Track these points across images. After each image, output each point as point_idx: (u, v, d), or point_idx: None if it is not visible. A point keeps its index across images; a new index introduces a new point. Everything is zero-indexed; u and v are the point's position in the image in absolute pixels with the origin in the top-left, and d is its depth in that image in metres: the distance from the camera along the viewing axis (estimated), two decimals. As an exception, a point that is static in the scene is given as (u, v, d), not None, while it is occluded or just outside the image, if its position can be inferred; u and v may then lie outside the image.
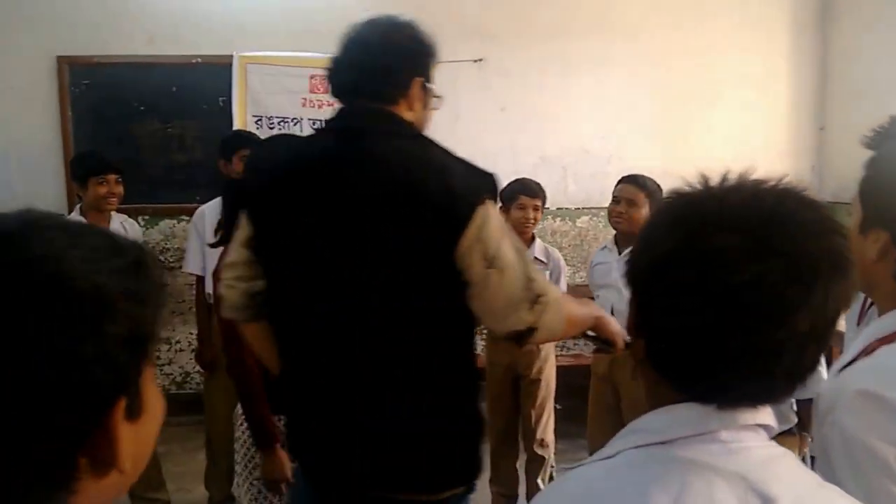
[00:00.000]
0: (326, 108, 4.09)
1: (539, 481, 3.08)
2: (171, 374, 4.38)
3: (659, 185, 2.80)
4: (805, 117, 4.57)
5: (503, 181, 2.87)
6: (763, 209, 0.65)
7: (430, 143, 1.38)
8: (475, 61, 4.25)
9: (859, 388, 0.90)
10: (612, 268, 2.81)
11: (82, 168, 2.99)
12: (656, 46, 4.39)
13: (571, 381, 3.62)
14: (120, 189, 2.99)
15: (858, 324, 1.36)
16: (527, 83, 4.35)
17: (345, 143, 1.36)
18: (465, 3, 4.29)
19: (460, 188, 1.28)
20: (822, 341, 0.65)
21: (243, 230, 1.47)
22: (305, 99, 4.10)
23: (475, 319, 1.37)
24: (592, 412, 3.01)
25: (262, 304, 1.47)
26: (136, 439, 0.56)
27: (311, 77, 4.08)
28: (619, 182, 2.86)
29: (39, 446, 0.49)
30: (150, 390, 0.58)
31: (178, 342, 4.35)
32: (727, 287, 0.62)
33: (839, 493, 0.70)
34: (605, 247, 2.96)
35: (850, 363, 0.97)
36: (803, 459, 2.50)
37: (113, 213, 3.05)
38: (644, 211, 2.77)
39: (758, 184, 0.69)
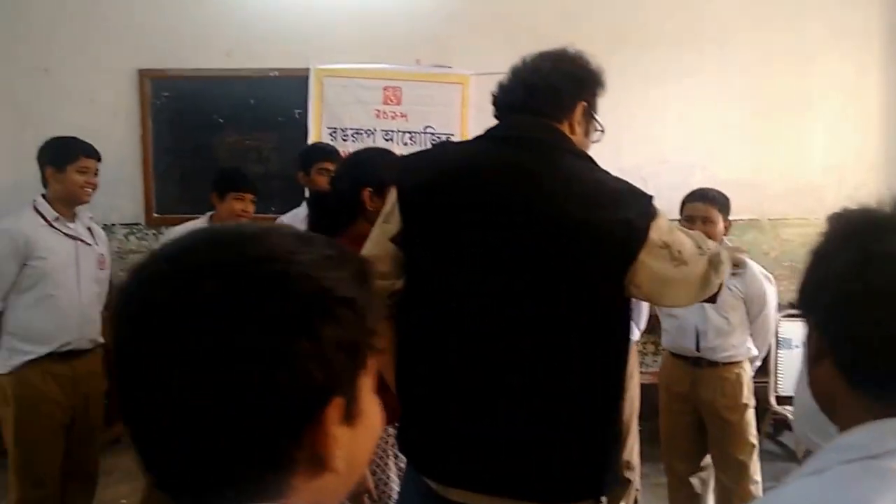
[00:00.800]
0: (399, 119, 4.09)
1: (623, 505, 2.96)
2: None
3: (726, 197, 2.75)
4: (899, 127, 4.34)
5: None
6: None
7: (595, 164, 1.42)
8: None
9: None
10: None
11: (225, 181, 3.10)
12: (746, 55, 4.24)
13: (652, 400, 3.48)
14: (252, 209, 3.11)
15: None
16: (606, 93, 4.23)
17: (512, 149, 1.39)
18: (541, 13, 4.22)
19: (632, 218, 1.31)
20: None
21: (393, 224, 1.45)
22: (379, 110, 4.10)
23: (627, 333, 1.40)
24: (669, 433, 2.91)
25: (392, 305, 1.46)
26: (351, 444, 0.57)
27: (385, 88, 4.09)
28: (687, 200, 2.80)
29: (258, 434, 0.52)
30: (368, 399, 0.60)
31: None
32: None
33: None
34: None
35: None
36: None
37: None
38: (720, 227, 2.70)
39: None
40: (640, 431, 3.06)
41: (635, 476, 2.99)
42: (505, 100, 1.49)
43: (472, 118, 4.07)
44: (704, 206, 2.71)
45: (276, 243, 0.55)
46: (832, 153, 4.29)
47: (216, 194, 3.08)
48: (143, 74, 4.18)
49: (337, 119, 4.09)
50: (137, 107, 4.21)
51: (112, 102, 4.22)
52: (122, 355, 0.55)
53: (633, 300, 2.88)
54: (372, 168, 1.94)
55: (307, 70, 4.07)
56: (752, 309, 2.79)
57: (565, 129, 1.45)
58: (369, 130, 4.09)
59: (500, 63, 4.04)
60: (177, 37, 4.17)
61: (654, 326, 3.25)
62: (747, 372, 2.81)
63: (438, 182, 1.41)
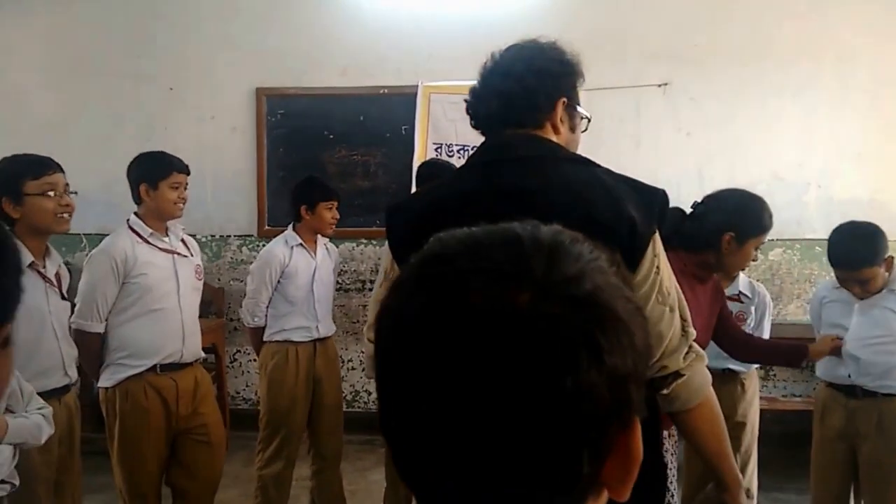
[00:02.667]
0: (503, 135, 4.11)
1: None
2: (343, 391, 4.53)
3: (882, 235, 2.44)
4: None
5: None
6: None
7: (593, 165, 1.32)
8: (660, 86, 4.11)
9: None
10: (853, 308, 2.54)
11: (314, 191, 3.13)
12: (865, 70, 4.08)
13: (761, 426, 3.34)
14: (339, 215, 3.16)
15: None
16: (716, 108, 4.16)
17: (501, 173, 1.29)
18: (650, 26, 4.17)
19: (636, 215, 1.21)
20: None
21: (392, 271, 1.39)
22: (483, 126, 4.13)
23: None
24: (820, 473, 2.67)
25: None
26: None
27: (489, 105, 4.11)
28: (843, 266, 2.49)
29: (569, 455, 0.49)
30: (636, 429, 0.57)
31: (350, 360, 4.49)
32: None
33: None
34: (840, 286, 2.57)
35: None
36: None
37: (320, 236, 3.18)
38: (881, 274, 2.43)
39: None
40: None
41: (754, 503, 2.87)
42: (480, 111, 1.38)
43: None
44: (865, 271, 2.40)
45: (582, 260, 0.53)
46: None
47: (305, 206, 3.08)
48: (261, 93, 4.40)
49: (443, 135, 4.15)
50: (254, 124, 4.43)
51: (231, 119, 4.46)
52: (399, 374, 0.51)
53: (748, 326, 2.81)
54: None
55: (416, 87, 4.16)
56: None
57: (548, 131, 1.34)
58: (475, 147, 4.12)
59: (608, 78, 4.10)
60: (293, 57, 4.37)
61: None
62: None
63: (431, 222, 1.29)
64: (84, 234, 4.41)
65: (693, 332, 1.29)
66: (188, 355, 2.62)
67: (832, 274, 2.61)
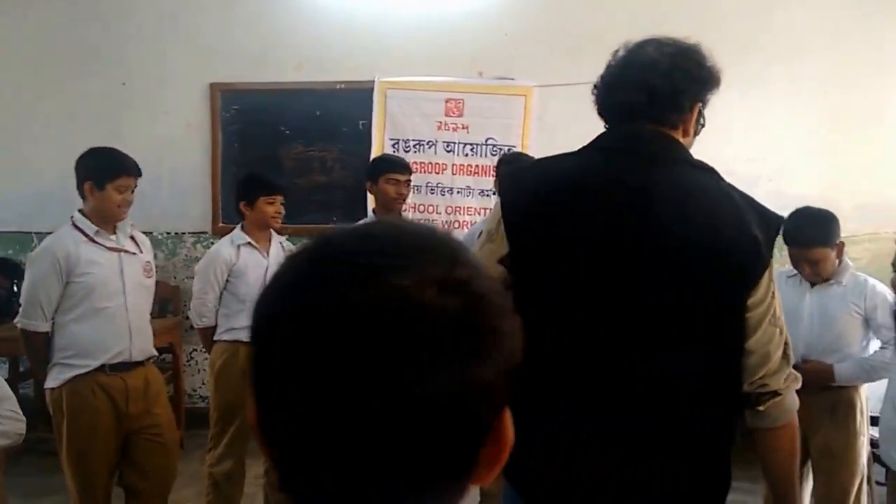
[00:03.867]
0: (461, 130, 4.14)
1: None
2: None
3: (834, 220, 2.53)
4: (981, 139, 4.16)
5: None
6: None
7: (718, 176, 1.33)
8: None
9: None
10: (805, 299, 2.59)
11: (253, 187, 3.07)
12: (816, 66, 4.15)
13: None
14: (283, 210, 3.08)
15: None
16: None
17: (627, 165, 1.28)
18: (604, 24, 4.20)
19: (760, 237, 1.22)
20: None
21: (498, 245, 1.34)
22: (441, 122, 4.16)
23: (741, 375, 1.30)
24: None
25: None
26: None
27: (447, 101, 4.14)
28: (794, 245, 2.56)
29: (457, 437, 0.51)
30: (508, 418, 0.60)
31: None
32: None
33: None
34: (796, 275, 2.64)
35: None
36: None
37: (273, 232, 3.14)
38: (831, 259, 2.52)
39: None
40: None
41: None
42: (617, 100, 1.35)
43: (535, 130, 4.09)
44: (815, 250, 2.47)
45: (468, 258, 0.55)
46: (907, 167, 4.15)
47: (245, 203, 3.02)
48: (215, 88, 4.34)
49: (399, 130, 4.16)
50: (208, 119, 4.38)
51: (185, 115, 4.40)
52: (285, 368, 0.50)
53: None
54: None
55: (372, 82, 4.15)
56: None
57: (679, 132, 1.35)
58: (431, 142, 4.15)
59: (564, 75, 4.13)
60: (248, 52, 4.32)
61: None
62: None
63: (546, 202, 1.30)
64: (35, 233, 4.32)
65: (792, 357, 1.34)
66: (137, 354, 2.58)
67: (787, 265, 2.69)
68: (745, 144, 4.20)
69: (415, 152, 4.11)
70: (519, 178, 1.42)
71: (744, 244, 1.21)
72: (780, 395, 1.30)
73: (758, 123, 4.19)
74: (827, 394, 2.53)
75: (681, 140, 1.35)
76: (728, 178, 4.36)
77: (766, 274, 1.24)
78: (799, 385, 1.34)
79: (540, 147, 3.92)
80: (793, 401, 1.34)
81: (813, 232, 2.48)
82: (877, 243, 4.08)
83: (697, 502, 1.32)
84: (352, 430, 0.48)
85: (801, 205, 2.59)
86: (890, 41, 4.14)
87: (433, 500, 0.52)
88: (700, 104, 1.37)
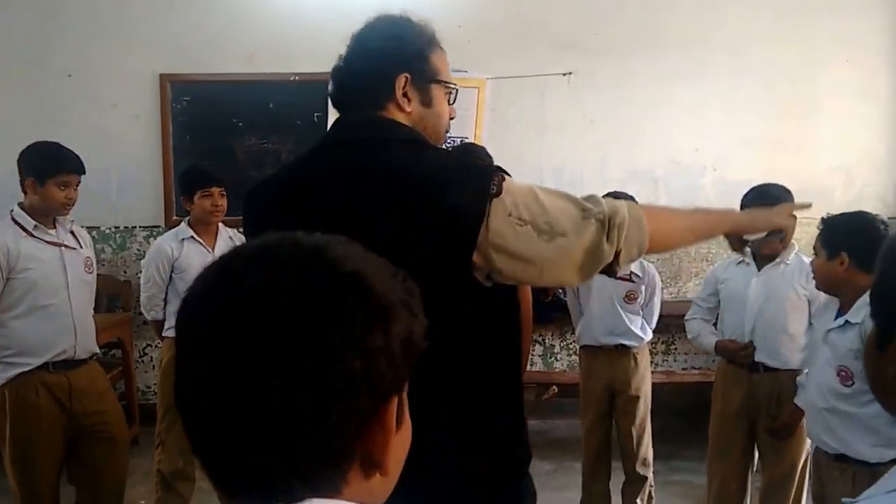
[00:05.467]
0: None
1: (638, 501, 3.01)
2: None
3: (787, 191, 2.58)
4: (906, 129, 4.39)
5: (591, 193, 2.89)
6: None
7: (425, 146, 1.29)
8: (564, 75, 4.24)
9: None
10: (751, 283, 2.67)
11: (189, 181, 3.07)
12: (757, 58, 4.31)
13: (662, 399, 3.54)
14: (224, 202, 3.05)
15: None
16: (617, 96, 4.32)
17: (339, 156, 1.26)
18: (556, 17, 4.30)
19: (460, 202, 1.15)
20: None
21: None
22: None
23: (505, 331, 1.28)
24: (720, 447, 2.75)
25: None
26: (397, 447, 0.59)
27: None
28: (745, 200, 2.63)
29: (327, 427, 0.53)
30: (406, 403, 0.61)
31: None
32: None
33: None
34: (743, 261, 2.72)
35: None
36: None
37: (221, 225, 3.13)
38: None
39: None
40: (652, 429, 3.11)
41: (650, 472, 3.04)
42: (331, 94, 1.37)
43: (488, 122, 4.14)
44: (755, 206, 2.49)
45: (345, 250, 0.58)
46: (839, 155, 4.36)
47: (185, 198, 3.03)
48: (164, 79, 4.27)
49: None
50: (158, 111, 4.30)
51: (133, 107, 4.32)
52: (191, 360, 0.56)
53: (645, 299, 2.96)
54: None
55: (327, 74, 4.13)
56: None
57: (392, 111, 1.30)
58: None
59: (517, 67, 4.19)
60: (198, 42, 4.26)
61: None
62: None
63: (275, 204, 1.29)
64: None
65: (603, 211, 1.19)
66: (81, 352, 2.54)
67: (729, 253, 2.77)
68: (691, 135, 4.35)
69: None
70: (256, 189, 1.37)
71: (441, 217, 1.15)
72: (620, 251, 1.20)
73: (702, 114, 4.35)
74: (773, 377, 2.63)
75: (398, 116, 1.30)
76: (675, 168, 4.54)
77: (487, 233, 1.15)
78: (623, 213, 1.20)
79: (493, 138, 3.99)
80: (635, 231, 1.21)
81: (777, 192, 2.56)
82: (811, 228, 4.26)
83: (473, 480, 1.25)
84: (221, 414, 0.53)
85: (743, 192, 2.70)
86: (825, 37, 4.33)
87: (303, 487, 0.54)
88: (406, 74, 1.29)
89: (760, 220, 1.46)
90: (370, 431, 0.56)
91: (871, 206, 3.54)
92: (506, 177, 1.20)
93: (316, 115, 4.22)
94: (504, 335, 1.30)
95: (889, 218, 2.72)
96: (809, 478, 2.51)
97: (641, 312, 3.02)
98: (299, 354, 0.52)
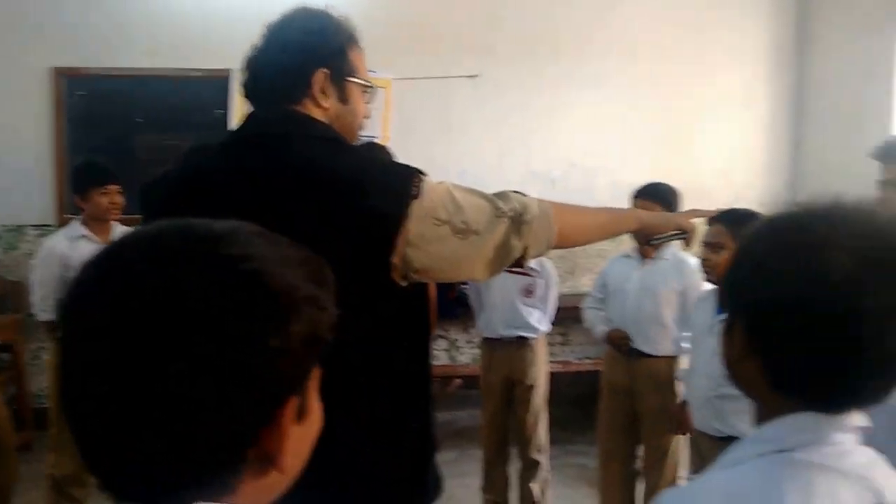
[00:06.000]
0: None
1: (533, 485, 3.16)
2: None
3: (674, 191, 2.77)
4: (782, 135, 4.77)
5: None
6: (877, 229, 0.72)
7: (343, 145, 1.25)
8: (469, 77, 4.36)
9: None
10: (632, 276, 2.87)
11: (84, 178, 2.98)
12: (649, 66, 4.56)
13: (559, 388, 3.72)
14: (121, 199, 2.98)
15: None
16: (519, 99, 4.48)
17: (246, 152, 1.21)
18: (462, 21, 4.41)
19: (378, 203, 1.14)
20: None
21: None
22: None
23: (418, 329, 1.28)
24: (606, 426, 2.96)
25: None
26: (298, 441, 0.58)
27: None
28: (635, 196, 2.81)
29: (218, 431, 0.52)
30: (314, 395, 0.61)
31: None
32: (855, 309, 0.67)
33: None
34: (628, 255, 2.95)
35: None
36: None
37: (116, 223, 3.06)
38: None
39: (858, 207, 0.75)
40: (549, 416, 3.27)
41: (545, 458, 3.19)
42: (243, 86, 1.31)
43: (394, 122, 4.21)
44: (648, 202, 2.72)
45: (245, 242, 0.56)
46: (722, 158, 4.68)
47: (78, 196, 2.94)
48: (58, 72, 4.11)
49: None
50: (51, 106, 4.13)
51: (25, 101, 4.13)
52: (81, 346, 0.53)
53: (542, 292, 3.12)
54: None
55: (229, 71, 4.10)
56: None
57: (308, 107, 1.26)
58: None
59: (423, 68, 4.27)
60: (96, 36, 4.12)
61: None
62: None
63: (178, 200, 1.21)
64: None
65: (514, 208, 1.21)
66: None
67: (621, 250, 2.99)
68: (587, 137, 4.56)
69: (275, 142, 4.10)
70: (154, 181, 1.31)
71: (360, 218, 1.13)
72: (527, 247, 1.22)
73: (598, 118, 4.56)
74: (648, 362, 2.84)
75: (314, 112, 1.26)
76: (572, 169, 4.73)
77: (406, 234, 1.14)
78: (534, 211, 1.23)
79: (399, 138, 4.06)
80: (542, 226, 1.23)
81: (664, 190, 2.78)
82: (699, 227, 4.57)
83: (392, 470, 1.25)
84: (114, 403, 0.51)
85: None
86: (711, 46, 4.64)
87: (195, 486, 0.53)
88: (324, 70, 1.26)
89: (665, 220, 1.51)
90: (266, 428, 0.54)
91: (749, 207, 3.82)
92: (423, 177, 1.20)
93: (217, 111, 4.17)
94: (418, 334, 1.30)
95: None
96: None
97: (539, 306, 3.18)
98: (200, 341, 0.50)
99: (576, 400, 4.23)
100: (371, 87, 1.35)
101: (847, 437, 0.73)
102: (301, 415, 0.58)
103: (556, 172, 4.54)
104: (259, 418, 0.54)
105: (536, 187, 4.29)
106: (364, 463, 1.19)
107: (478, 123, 4.46)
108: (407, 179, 1.18)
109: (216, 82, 4.12)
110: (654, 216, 1.53)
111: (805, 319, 0.69)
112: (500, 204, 1.22)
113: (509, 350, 3.14)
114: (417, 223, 1.15)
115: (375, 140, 4.15)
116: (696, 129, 4.68)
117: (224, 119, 4.14)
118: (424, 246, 1.16)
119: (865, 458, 0.73)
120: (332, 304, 0.59)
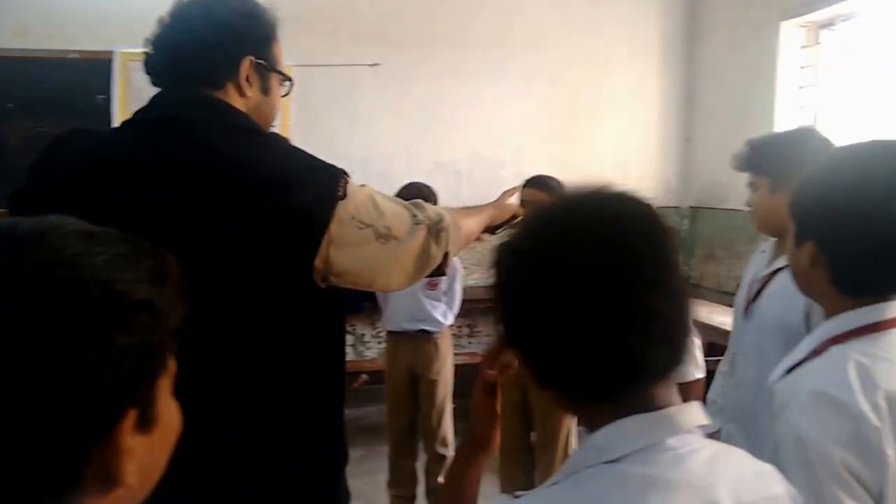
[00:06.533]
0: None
1: (440, 479, 3.14)
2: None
3: (559, 181, 2.82)
4: (673, 129, 4.95)
5: (399, 184, 2.96)
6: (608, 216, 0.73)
7: (267, 137, 1.21)
8: (371, 66, 4.27)
9: (813, 389, 0.93)
10: None
11: None
12: (548, 59, 4.62)
13: (466, 379, 3.71)
14: None
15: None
16: (424, 90, 4.44)
17: (158, 135, 1.13)
18: (362, 9, 4.31)
19: (308, 200, 1.11)
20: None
21: None
22: (193, 98, 3.95)
23: (337, 331, 1.26)
24: (504, 413, 3.00)
25: None
26: (146, 453, 0.54)
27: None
28: (524, 186, 2.81)
29: (42, 455, 0.47)
30: (166, 401, 0.56)
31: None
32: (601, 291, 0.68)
33: (774, 479, 0.74)
34: None
35: (801, 362, 1.01)
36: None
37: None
38: None
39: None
40: (454, 409, 3.26)
41: (450, 451, 3.18)
42: (153, 64, 1.22)
43: (294, 111, 4.07)
44: (535, 190, 2.74)
45: (60, 243, 0.50)
46: (619, 150, 4.81)
47: None
48: (-88, 51, 3.72)
49: (146, 107, 3.89)
50: None
51: None
52: None
53: (449, 284, 3.10)
54: None
55: (111, 53, 3.83)
56: None
57: (229, 93, 1.20)
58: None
59: (322, 55, 4.14)
60: (-46, 11, 3.75)
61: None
62: None
63: (74, 183, 1.12)
64: None
65: (430, 217, 1.24)
66: None
67: None
68: (492, 129, 4.58)
69: (165, 130, 3.88)
70: (42, 162, 1.20)
71: (287, 216, 1.09)
72: (447, 254, 1.25)
73: (502, 110, 4.59)
74: None
75: (235, 101, 1.20)
76: (477, 161, 4.73)
77: (333, 226, 1.13)
78: (448, 223, 1.26)
79: (300, 127, 3.94)
80: (457, 242, 1.29)
81: (552, 183, 2.80)
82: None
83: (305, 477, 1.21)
84: None
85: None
86: (606, 41, 4.75)
87: None
88: (251, 57, 1.21)
89: (506, 208, 1.57)
90: (99, 446, 0.50)
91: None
92: (348, 178, 1.18)
93: (99, 97, 3.88)
94: (334, 334, 1.26)
95: (659, 208, 3.06)
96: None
97: (443, 299, 3.15)
98: (5, 360, 0.45)
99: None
100: (290, 80, 1.32)
101: (686, 439, 0.69)
102: (146, 424, 0.53)
103: (461, 164, 4.53)
104: (86, 438, 0.49)
105: (443, 179, 4.28)
106: (276, 462, 1.16)
107: (382, 114, 4.39)
108: (334, 180, 1.15)
109: (96, 65, 3.83)
110: (500, 205, 1.56)
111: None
112: (417, 212, 1.23)
113: (413, 344, 3.10)
114: (341, 225, 1.13)
115: (275, 129, 4.00)
116: (594, 122, 4.78)
117: (107, 105, 3.86)
118: (346, 248, 1.14)
119: (704, 460, 0.69)
120: (178, 302, 0.55)
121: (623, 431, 0.68)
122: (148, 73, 1.23)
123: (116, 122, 3.81)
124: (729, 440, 1.92)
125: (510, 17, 4.57)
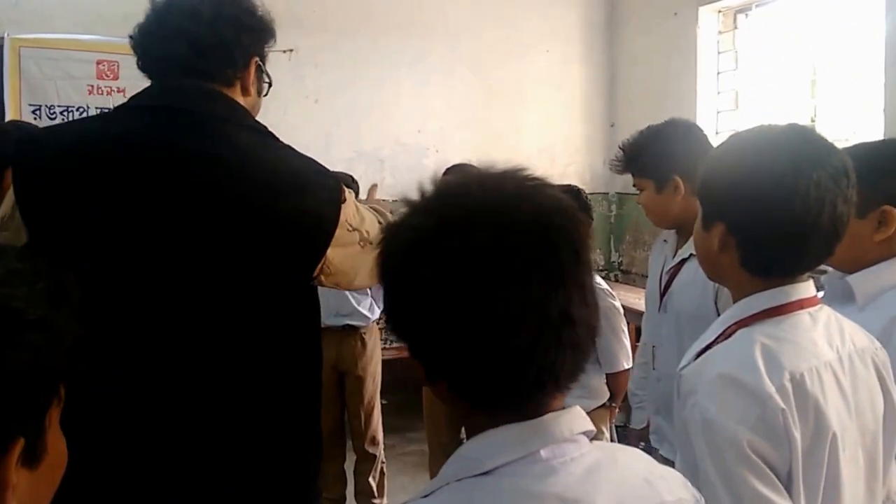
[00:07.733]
0: (116, 95, 3.74)
1: (370, 480, 3.04)
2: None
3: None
4: (597, 115, 4.96)
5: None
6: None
7: (275, 140, 1.22)
8: (285, 52, 4.10)
9: (720, 372, 0.92)
10: None
11: None
12: (469, 46, 4.55)
13: (396, 374, 3.62)
14: None
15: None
16: (341, 76, 4.30)
17: (173, 125, 1.12)
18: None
19: (320, 206, 1.16)
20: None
21: (16, 234, 1.11)
22: (92, 86, 3.71)
23: (316, 323, 1.26)
24: (429, 407, 2.97)
25: None
26: (32, 487, 0.50)
27: (98, 63, 3.70)
28: (444, 174, 2.82)
29: None
30: (55, 432, 0.53)
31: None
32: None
33: (673, 483, 0.71)
34: None
35: (709, 346, 1.01)
36: (610, 430, 2.68)
37: None
38: None
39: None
40: (384, 405, 3.16)
41: (380, 450, 3.09)
42: (157, 53, 1.19)
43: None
44: None
45: None
46: (544, 137, 4.79)
47: None
48: None
49: (41, 95, 3.62)
50: None
51: None
52: None
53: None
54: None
55: (2, 38, 3.55)
56: None
57: (237, 92, 1.22)
58: (81, 108, 3.68)
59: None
60: None
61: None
62: None
63: (73, 170, 1.11)
64: None
65: (383, 219, 1.30)
66: None
67: None
68: (414, 117, 4.49)
69: (62, 119, 3.62)
70: (32, 152, 1.16)
71: (304, 216, 1.14)
72: None
73: (423, 97, 4.49)
74: None
75: (240, 99, 1.23)
76: (400, 149, 4.63)
77: (335, 240, 1.18)
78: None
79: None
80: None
81: (473, 170, 2.76)
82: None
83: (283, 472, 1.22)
84: None
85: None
86: (527, 28, 4.71)
87: None
88: (257, 59, 1.26)
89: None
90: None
91: (571, 183, 3.95)
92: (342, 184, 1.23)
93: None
94: (314, 333, 1.26)
95: (589, 194, 3.04)
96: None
97: (370, 292, 3.03)
98: None
99: (415, 385, 4.16)
100: (270, 84, 1.34)
101: (563, 449, 0.65)
102: (34, 458, 0.50)
103: (384, 152, 4.42)
104: None
105: (365, 167, 4.16)
106: (252, 476, 1.16)
107: (298, 101, 4.22)
108: (336, 184, 1.21)
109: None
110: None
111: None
112: (381, 219, 1.29)
113: (338, 340, 2.97)
114: (340, 227, 1.19)
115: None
116: (517, 109, 4.75)
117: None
118: (340, 249, 1.19)
119: (582, 470, 0.64)
120: (73, 325, 0.51)
121: (496, 442, 0.64)
122: (141, 57, 1.21)
123: (9, 112, 3.54)
124: (658, 433, 1.89)
125: (429, 2, 4.47)
